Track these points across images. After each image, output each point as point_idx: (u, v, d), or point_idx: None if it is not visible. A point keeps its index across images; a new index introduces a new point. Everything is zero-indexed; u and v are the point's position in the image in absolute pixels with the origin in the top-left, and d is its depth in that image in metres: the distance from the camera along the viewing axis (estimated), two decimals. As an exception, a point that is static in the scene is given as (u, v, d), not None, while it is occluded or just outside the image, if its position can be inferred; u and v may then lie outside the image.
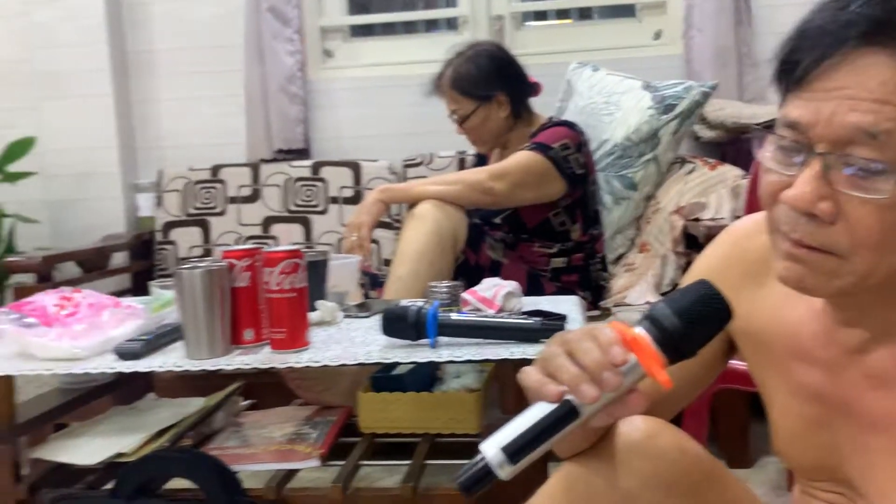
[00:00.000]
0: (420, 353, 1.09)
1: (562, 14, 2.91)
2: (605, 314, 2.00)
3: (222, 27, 2.70)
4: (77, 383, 1.43)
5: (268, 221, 2.58)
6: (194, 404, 1.45)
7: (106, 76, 2.67)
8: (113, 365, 1.13)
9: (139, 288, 2.52)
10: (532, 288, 1.84)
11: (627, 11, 2.72)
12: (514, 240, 1.99)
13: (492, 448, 0.63)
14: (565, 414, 0.63)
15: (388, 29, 2.90)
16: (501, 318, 1.17)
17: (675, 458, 0.72)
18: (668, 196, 2.21)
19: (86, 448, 1.30)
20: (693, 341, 0.65)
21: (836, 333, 0.70)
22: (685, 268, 2.04)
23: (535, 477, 0.91)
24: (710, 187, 2.13)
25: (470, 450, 1.28)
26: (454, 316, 1.14)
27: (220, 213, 2.59)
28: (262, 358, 1.13)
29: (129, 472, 1.20)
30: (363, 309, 1.39)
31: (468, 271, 1.85)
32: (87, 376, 1.40)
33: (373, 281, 1.97)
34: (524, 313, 1.21)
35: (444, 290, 1.28)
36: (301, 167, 2.60)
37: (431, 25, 2.93)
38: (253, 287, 1.15)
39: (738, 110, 2.31)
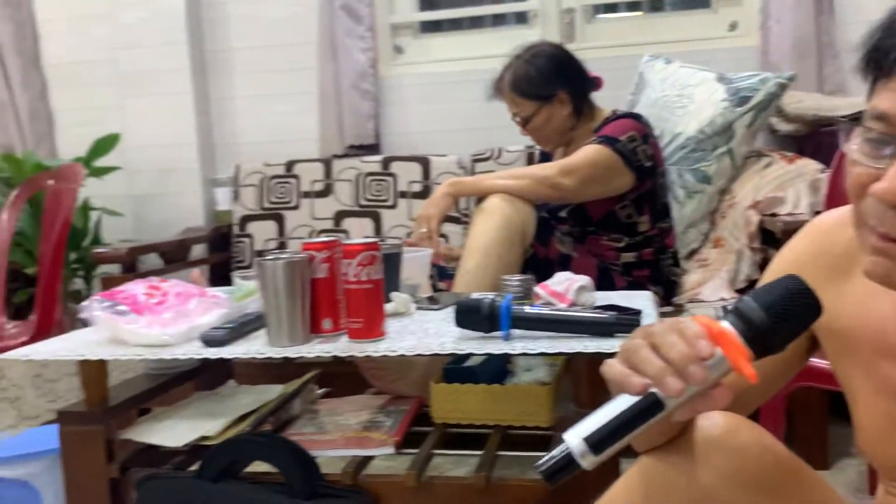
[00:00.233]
0: (493, 345, 1.10)
1: (633, 6, 2.87)
2: (678, 311, 1.98)
3: (296, 26, 2.77)
4: (163, 369, 1.49)
5: (339, 215, 2.63)
6: (273, 391, 1.49)
7: (186, 75, 2.77)
8: (200, 351, 1.17)
9: (217, 279, 2.61)
10: (603, 282, 1.83)
11: (702, 2, 2.67)
12: (581, 233, 1.98)
13: (575, 438, 0.64)
14: (649, 406, 0.63)
15: (457, 24, 2.91)
16: (575, 311, 1.17)
17: (755, 454, 0.71)
18: (744, 190, 2.16)
19: (172, 431, 1.35)
20: (780, 336, 0.65)
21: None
22: (761, 264, 2.00)
23: (608, 472, 0.92)
24: (787, 181, 2.08)
25: (541, 443, 1.30)
26: (527, 309, 1.14)
27: (294, 208, 2.66)
28: (340, 347, 1.16)
29: (213, 455, 1.25)
30: (434, 301, 1.41)
31: (537, 265, 1.85)
32: (173, 362, 1.46)
33: (441, 273, 2.00)
34: (597, 308, 1.21)
35: (517, 283, 1.28)
36: (371, 162, 2.64)
37: (499, 20, 2.93)
38: (332, 278, 1.17)
39: (817, 102, 2.25)
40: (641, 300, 1.35)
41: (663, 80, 2.36)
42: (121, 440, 1.35)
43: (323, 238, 1.20)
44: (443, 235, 2.42)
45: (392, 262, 1.36)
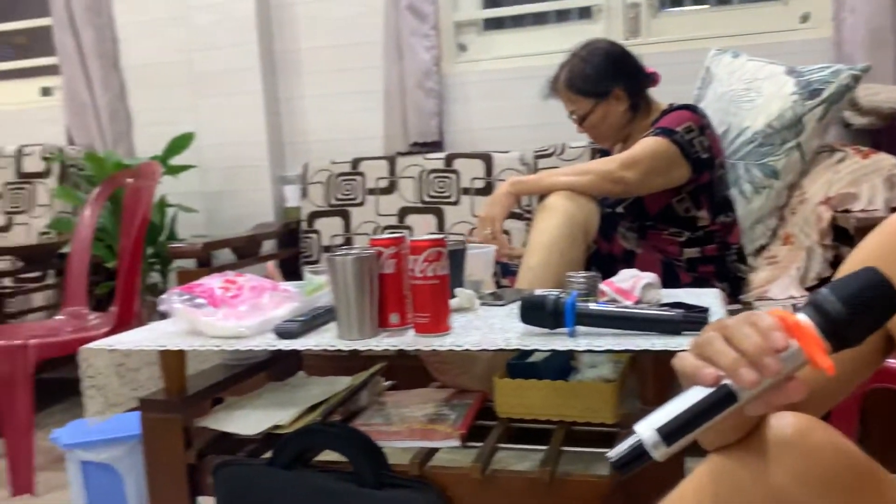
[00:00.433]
0: (559, 342, 1.11)
1: (699, 0, 2.83)
2: (746, 308, 1.94)
3: (362, 26, 2.81)
4: (237, 360, 1.54)
5: (403, 212, 2.67)
6: (341, 382, 1.53)
7: (256, 75, 2.85)
8: (273, 343, 1.21)
9: (286, 273, 2.68)
10: (667, 278, 1.81)
11: (772, -6, 2.61)
12: (641, 227, 1.97)
13: (647, 429, 0.64)
14: (723, 398, 0.63)
15: (520, 21, 2.91)
16: (641, 309, 1.16)
17: (829, 456, 0.70)
18: (816, 186, 2.10)
19: (246, 420, 1.39)
20: (858, 329, 0.64)
21: None
22: (833, 262, 1.95)
23: (673, 470, 0.92)
24: (862, 177, 2.02)
25: (606, 440, 1.30)
26: (592, 306, 1.15)
27: (360, 204, 2.71)
28: (407, 340, 1.18)
29: (285, 443, 1.29)
30: (498, 297, 1.42)
31: (600, 260, 1.85)
32: (248, 353, 1.51)
33: (504, 269, 2.01)
34: (663, 305, 1.21)
35: (582, 280, 1.29)
36: (435, 159, 2.67)
37: (563, 16, 2.91)
38: (398, 273, 1.19)
39: (894, 94, 2.17)
40: (709, 298, 1.34)
41: (730, 73, 2.32)
42: (197, 428, 1.40)
43: (389, 234, 1.23)
44: (505, 232, 2.43)
45: (456, 258, 1.38)
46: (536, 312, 1.14)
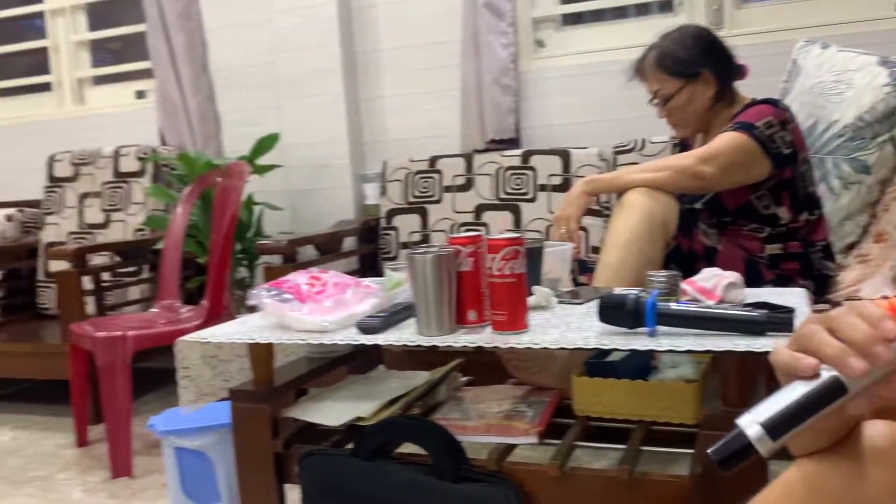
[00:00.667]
0: (638, 341, 1.10)
1: (786, -11, 2.73)
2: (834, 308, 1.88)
3: (441, 25, 2.84)
4: (321, 353, 1.60)
5: (480, 209, 2.69)
6: (420, 377, 1.56)
7: (338, 76, 2.92)
8: (357, 338, 1.25)
9: (366, 269, 2.74)
10: (750, 275, 1.77)
11: (864, -19, 2.50)
12: (719, 223, 1.93)
13: (750, 423, 0.61)
14: (832, 390, 0.60)
15: (599, 15, 2.89)
16: (724, 309, 1.15)
17: None
18: (911, 182, 2.02)
19: (329, 411, 1.44)
20: None
21: None
22: (929, 260, 1.86)
23: (755, 474, 0.90)
24: (962, 172, 1.92)
25: (686, 440, 1.28)
26: (674, 305, 1.14)
27: (437, 201, 2.75)
28: (485, 337, 1.20)
29: (367, 435, 1.32)
30: (575, 296, 1.42)
31: (680, 258, 1.82)
32: (332, 347, 1.56)
33: (582, 267, 2.00)
34: (746, 305, 1.18)
35: (663, 279, 1.28)
36: (511, 156, 2.68)
37: (643, 10, 2.87)
38: (476, 271, 1.22)
39: None
40: (794, 297, 1.31)
41: (819, 65, 2.24)
42: (283, 418, 1.46)
43: (466, 232, 1.25)
44: (583, 229, 2.42)
45: (533, 256, 1.39)
46: (616, 312, 1.14)
